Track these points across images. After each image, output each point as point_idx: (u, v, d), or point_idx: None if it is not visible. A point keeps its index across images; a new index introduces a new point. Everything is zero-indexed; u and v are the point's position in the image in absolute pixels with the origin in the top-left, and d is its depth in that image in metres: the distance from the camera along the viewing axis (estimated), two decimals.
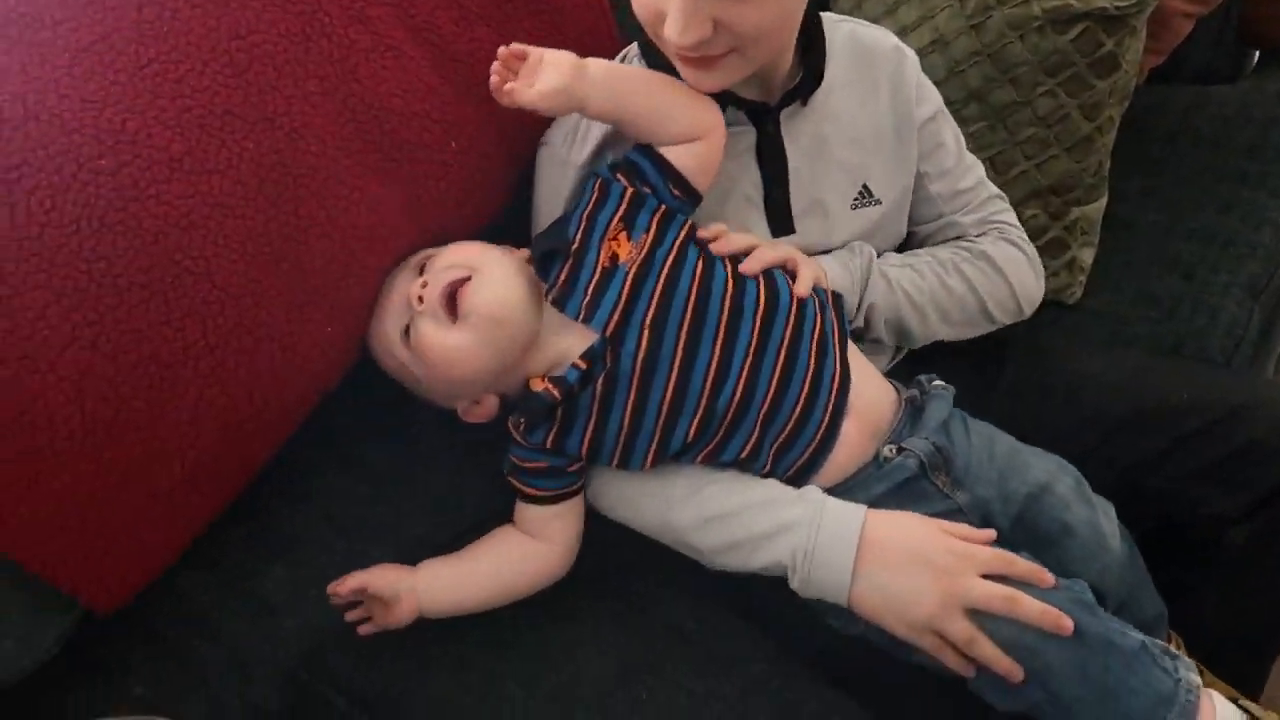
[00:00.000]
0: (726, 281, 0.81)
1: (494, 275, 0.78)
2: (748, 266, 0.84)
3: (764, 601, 0.82)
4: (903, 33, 1.24)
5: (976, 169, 1.03)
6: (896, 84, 0.95)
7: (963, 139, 1.02)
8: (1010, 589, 0.70)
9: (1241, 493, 0.88)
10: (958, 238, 1.00)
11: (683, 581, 0.84)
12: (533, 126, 0.93)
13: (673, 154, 0.83)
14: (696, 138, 0.83)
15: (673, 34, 0.74)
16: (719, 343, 0.79)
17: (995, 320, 0.99)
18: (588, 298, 0.79)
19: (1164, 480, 0.91)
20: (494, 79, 0.79)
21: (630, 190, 0.83)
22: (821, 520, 0.75)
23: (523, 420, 0.80)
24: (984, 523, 0.80)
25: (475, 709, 0.75)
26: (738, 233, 0.87)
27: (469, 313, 0.75)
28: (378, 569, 0.79)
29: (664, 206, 0.84)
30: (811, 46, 0.89)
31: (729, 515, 0.78)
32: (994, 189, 1.03)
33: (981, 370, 0.99)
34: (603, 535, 0.85)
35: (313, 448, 0.90)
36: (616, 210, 0.82)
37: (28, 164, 0.62)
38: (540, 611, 0.81)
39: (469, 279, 0.76)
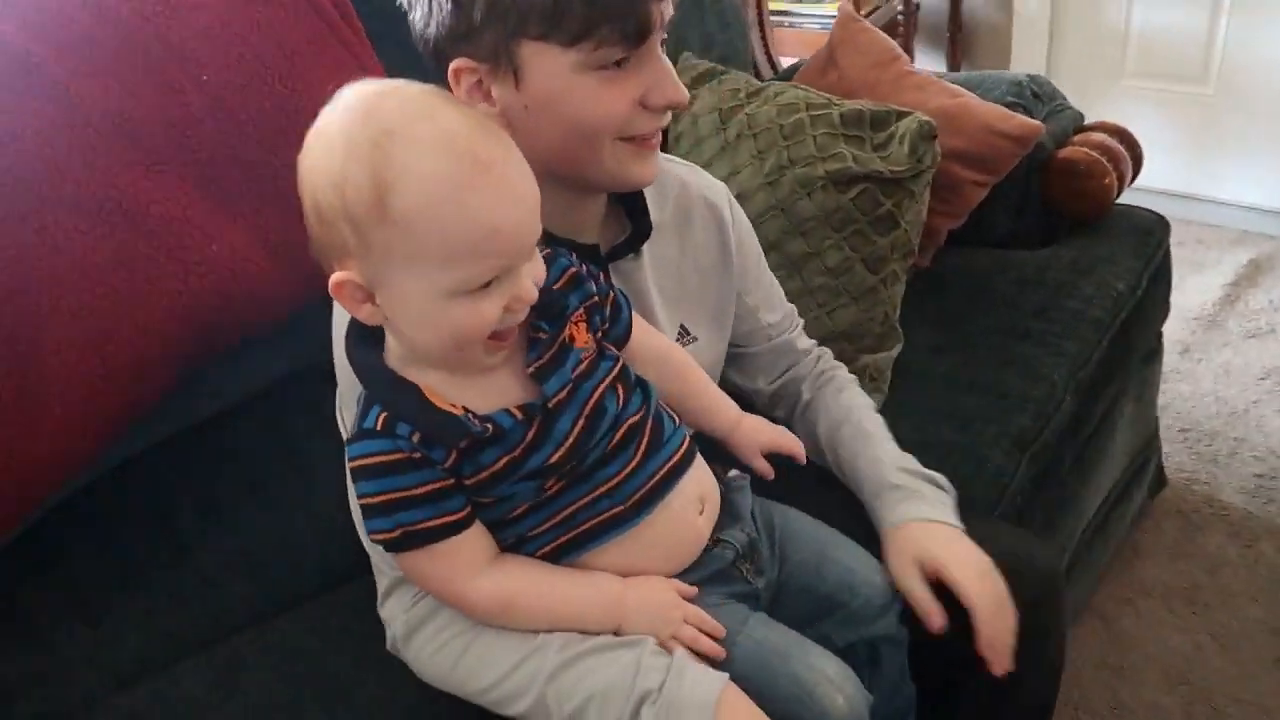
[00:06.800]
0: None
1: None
2: None
3: None
4: None
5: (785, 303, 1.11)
6: (723, 230, 1.02)
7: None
8: None
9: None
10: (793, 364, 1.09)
11: None
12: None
13: None
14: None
15: (679, 94, 0.82)
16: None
17: None
18: (543, 360, 0.77)
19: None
20: None
21: (595, 299, 0.82)
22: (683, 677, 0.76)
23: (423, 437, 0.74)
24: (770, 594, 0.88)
25: None
26: None
27: None
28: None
29: (605, 326, 0.84)
30: (637, 204, 0.94)
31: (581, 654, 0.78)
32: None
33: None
34: None
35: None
36: (582, 302, 0.81)
37: None
38: None
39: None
